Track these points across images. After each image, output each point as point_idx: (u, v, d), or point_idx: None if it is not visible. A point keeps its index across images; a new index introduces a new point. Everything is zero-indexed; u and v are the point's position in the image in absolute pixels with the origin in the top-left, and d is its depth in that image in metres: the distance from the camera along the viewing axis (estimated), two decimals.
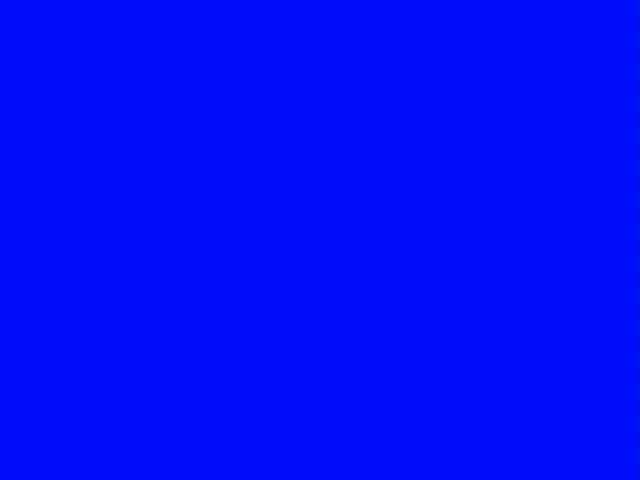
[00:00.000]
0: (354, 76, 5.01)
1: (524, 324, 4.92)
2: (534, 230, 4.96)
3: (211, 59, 5.02)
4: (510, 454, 4.88)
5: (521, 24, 4.98)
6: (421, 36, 5.00)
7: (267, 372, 4.93)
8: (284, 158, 5.00)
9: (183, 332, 4.95)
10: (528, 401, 4.91)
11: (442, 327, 4.92)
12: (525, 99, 4.99)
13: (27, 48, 5.03)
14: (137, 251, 4.97)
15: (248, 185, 5.00)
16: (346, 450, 4.91)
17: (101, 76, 5.01)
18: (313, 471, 4.90)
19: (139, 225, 4.97)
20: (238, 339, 4.95)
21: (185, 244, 4.97)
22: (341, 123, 5.00)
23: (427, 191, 4.98)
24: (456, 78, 4.99)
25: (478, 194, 4.97)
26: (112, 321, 4.94)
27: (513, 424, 4.89)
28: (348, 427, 4.91)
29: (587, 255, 4.94)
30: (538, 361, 4.92)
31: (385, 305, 4.94)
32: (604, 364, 4.90)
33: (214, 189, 4.99)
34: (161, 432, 4.91)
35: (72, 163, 4.99)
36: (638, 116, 4.96)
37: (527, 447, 4.89)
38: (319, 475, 4.90)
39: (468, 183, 4.97)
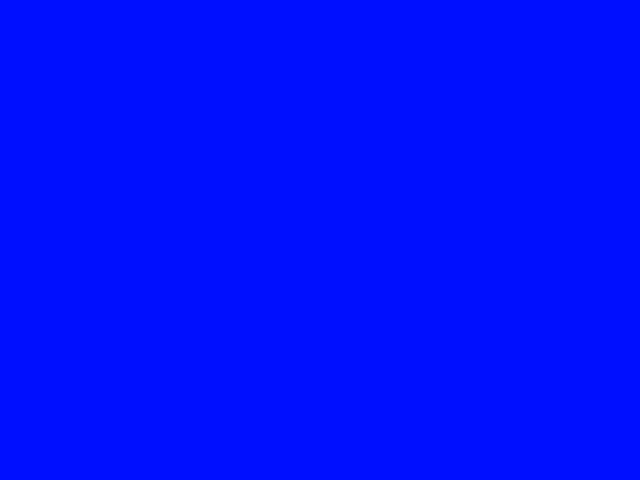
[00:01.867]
0: (354, 78, 5.01)
1: (527, 324, 4.92)
2: (536, 230, 4.96)
3: (211, 61, 5.03)
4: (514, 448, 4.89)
5: (524, 26, 4.98)
6: (422, 38, 5.00)
7: (267, 371, 4.94)
8: (284, 159, 5.00)
9: (183, 331, 4.95)
10: (531, 399, 4.91)
11: (446, 327, 4.92)
12: (528, 100, 4.99)
13: (27, 49, 5.03)
14: (137, 251, 4.97)
15: (248, 185, 5.00)
16: (344, 447, 4.91)
17: (101, 78, 5.01)
18: (312, 468, 4.90)
19: (139, 225, 4.97)
20: (238, 338, 4.95)
21: (185, 244, 4.98)
22: (341, 124, 5.01)
23: (427, 191, 4.98)
24: (458, 79, 4.99)
25: (479, 195, 4.97)
26: (112, 321, 4.94)
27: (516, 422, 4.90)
28: (347, 426, 4.91)
29: (589, 255, 4.95)
30: (540, 360, 4.92)
31: (385, 304, 4.94)
32: (606, 363, 4.91)
33: (214, 189, 4.99)
34: (161, 431, 4.92)
35: (72, 163, 5.00)
36: None
37: (531, 444, 4.89)
38: (318, 472, 4.90)
39: (469, 184, 4.97)
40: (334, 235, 4.97)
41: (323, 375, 4.93)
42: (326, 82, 5.01)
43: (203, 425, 4.91)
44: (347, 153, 4.99)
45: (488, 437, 4.88)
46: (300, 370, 4.93)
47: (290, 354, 4.94)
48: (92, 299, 4.94)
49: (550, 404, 4.89)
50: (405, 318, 4.93)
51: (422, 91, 4.99)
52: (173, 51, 5.02)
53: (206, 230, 4.97)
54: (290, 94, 5.01)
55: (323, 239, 4.97)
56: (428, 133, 4.99)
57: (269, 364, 4.94)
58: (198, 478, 4.89)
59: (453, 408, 4.90)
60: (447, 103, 4.99)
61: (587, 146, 4.97)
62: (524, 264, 4.94)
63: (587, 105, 4.97)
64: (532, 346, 4.91)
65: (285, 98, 5.01)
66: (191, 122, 5.01)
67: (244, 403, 4.93)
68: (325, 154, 4.99)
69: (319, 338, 4.94)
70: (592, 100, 4.97)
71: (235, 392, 4.93)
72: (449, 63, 4.98)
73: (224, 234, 4.97)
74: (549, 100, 4.98)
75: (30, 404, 4.92)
